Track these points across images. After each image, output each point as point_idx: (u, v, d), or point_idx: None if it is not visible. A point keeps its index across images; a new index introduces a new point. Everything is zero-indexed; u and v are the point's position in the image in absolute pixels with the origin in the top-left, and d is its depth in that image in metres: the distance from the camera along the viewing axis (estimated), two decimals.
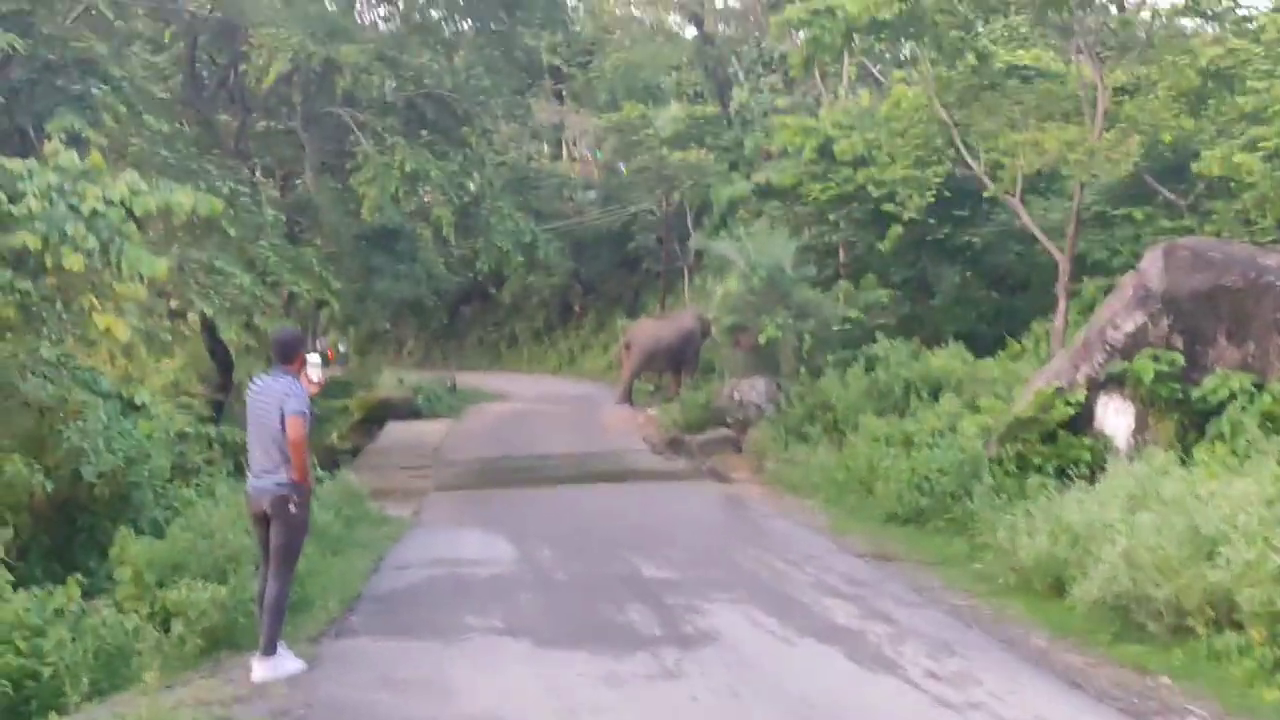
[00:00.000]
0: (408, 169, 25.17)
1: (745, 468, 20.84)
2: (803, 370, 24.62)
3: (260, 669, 8.56)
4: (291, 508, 8.71)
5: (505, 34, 26.22)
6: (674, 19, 49.78)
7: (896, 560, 12.88)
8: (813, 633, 9.57)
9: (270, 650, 8.62)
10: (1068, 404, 13.84)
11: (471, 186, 28.34)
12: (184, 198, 10.37)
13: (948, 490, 14.43)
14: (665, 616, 10.15)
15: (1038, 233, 18.84)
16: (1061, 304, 17.46)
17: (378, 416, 28.30)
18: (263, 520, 8.82)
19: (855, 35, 18.03)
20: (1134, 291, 13.84)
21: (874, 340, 24.75)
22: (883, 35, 18.25)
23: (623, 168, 46.85)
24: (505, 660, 8.90)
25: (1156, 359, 13.26)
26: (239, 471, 16.34)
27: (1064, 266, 17.86)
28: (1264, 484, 10.17)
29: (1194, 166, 18.01)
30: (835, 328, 24.82)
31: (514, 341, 49.59)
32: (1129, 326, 13.68)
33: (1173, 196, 23.34)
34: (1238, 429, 12.45)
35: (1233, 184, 20.71)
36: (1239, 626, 9.04)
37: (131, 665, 9.02)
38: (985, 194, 20.00)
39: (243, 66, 25.72)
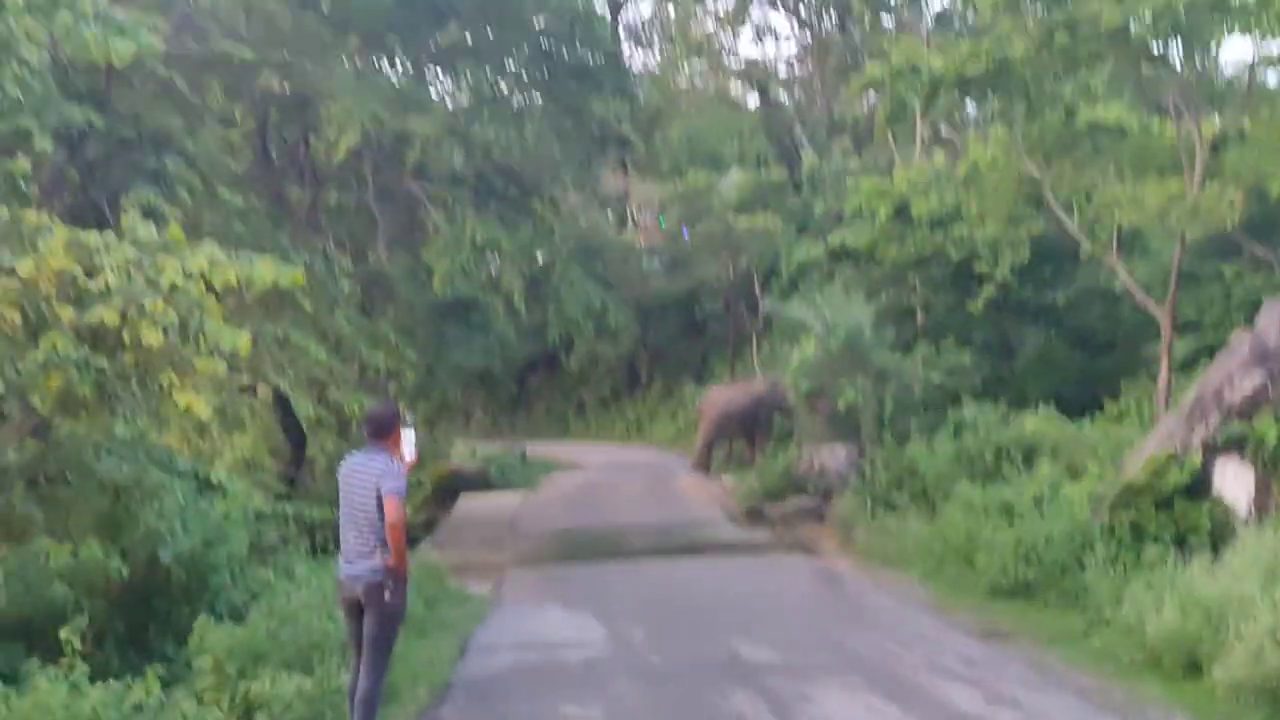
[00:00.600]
0: (478, 240, 24.86)
1: (832, 539, 20.11)
2: (885, 436, 23.94)
3: None
4: (387, 595, 8.19)
5: (574, 104, 25.86)
6: (735, 86, 49.54)
7: (1009, 637, 12.13)
8: None
9: None
10: (1183, 469, 13.08)
11: (540, 256, 28.03)
12: (265, 269, 9.94)
13: (1056, 561, 13.66)
14: (775, 704, 9.49)
15: (1137, 290, 18.09)
16: (1164, 364, 16.71)
17: (450, 488, 27.79)
18: (355, 609, 8.30)
19: (940, 92, 17.49)
20: (1251, 349, 13.11)
21: (957, 404, 24.06)
22: (969, 92, 17.66)
23: (687, 233, 46.53)
24: None
25: (1279, 420, 12.50)
26: (316, 551, 15.97)
27: (1165, 324, 17.13)
28: None
29: None
30: (917, 392, 24.10)
31: (581, 410, 49.08)
32: (1247, 386, 12.93)
33: (1262, 253, 22.57)
34: None
35: None
36: None
37: None
38: (1082, 253, 19.22)
39: (313, 140, 25.51)
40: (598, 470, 32.50)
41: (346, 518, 8.32)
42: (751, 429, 29.18)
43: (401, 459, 8.56)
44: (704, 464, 30.12)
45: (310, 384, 18.15)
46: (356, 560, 8.23)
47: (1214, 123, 17.62)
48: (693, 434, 41.36)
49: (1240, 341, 13.71)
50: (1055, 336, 25.94)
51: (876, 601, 14.45)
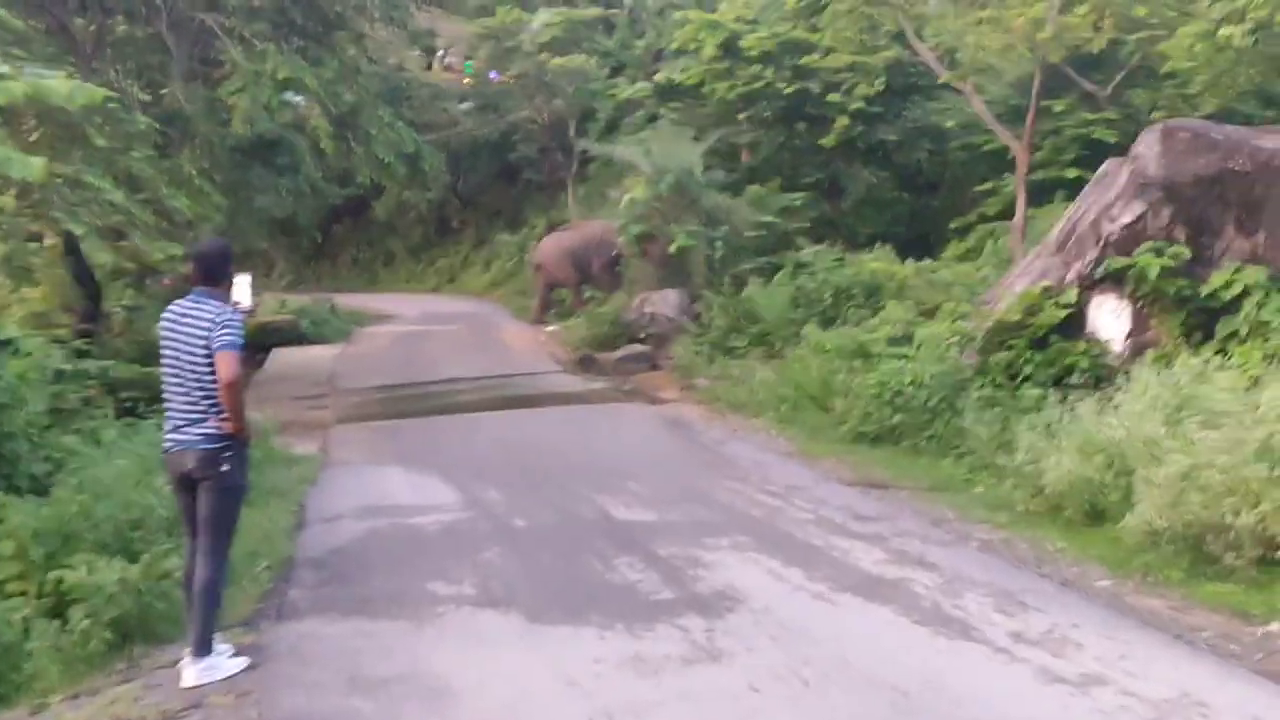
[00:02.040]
0: (279, 76, 22.86)
1: (672, 386, 19.16)
2: (714, 280, 23.04)
3: (193, 672, 6.68)
4: (224, 466, 6.82)
5: None
6: None
7: (890, 487, 11.34)
8: (849, 587, 7.94)
9: (205, 648, 6.74)
10: (1059, 305, 12.37)
11: (348, 95, 25.98)
12: (59, 85, 8.17)
13: (924, 405, 12.93)
14: (667, 573, 8.44)
15: (994, 123, 17.41)
16: (1021, 198, 15.99)
17: (261, 343, 25.92)
18: (186, 483, 6.91)
19: None
20: (1129, 179, 12.37)
21: (789, 247, 23.29)
22: None
23: (496, 76, 44.46)
24: (499, 643, 7.10)
25: (1159, 253, 11.83)
26: (124, 414, 14.31)
27: (1021, 158, 16.40)
28: None
29: (1162, 48, 16.45)
30: (749, 234, 23.20)
31: (390, 260, 47.04)
32: (1126, 218, 12.22)
33: (1092, 87, 22.05)
34: (1258, 328, 11.08)
35: (1167, 70, 19.46)
36: None
37: (23, 669, 7.10)
38: (941, 80, 18.24)
39: None
40: (414, 321, 30.94)
41: (171, 377, 6.87)
42: (589, 274, 27.55)
43: (235, 306, 7.13)
44: (542, 314, 28.60)
45: (105, 230, 16.22)
46: (186, 427, 6.83)
47: None
48: (510, 282, 40.12)
49: (1115, 172, 12.98)
50: (884, 176, 25.16)
51: (737, 450, 13.53)
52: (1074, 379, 11.90)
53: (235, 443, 6.86)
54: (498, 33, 39.97)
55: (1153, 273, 11.66)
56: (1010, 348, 12.56)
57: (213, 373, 6.74)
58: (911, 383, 13.18)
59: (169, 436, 6.94)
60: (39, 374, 12.32)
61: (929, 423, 12.82)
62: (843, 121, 23.32)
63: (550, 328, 27.84)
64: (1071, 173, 22.15)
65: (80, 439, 11.93)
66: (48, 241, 20.73)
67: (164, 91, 23.86)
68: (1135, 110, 22.91)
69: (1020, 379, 12.31)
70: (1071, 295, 12.36)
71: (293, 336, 26.46)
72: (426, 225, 45.74)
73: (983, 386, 12.45)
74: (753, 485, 11.43)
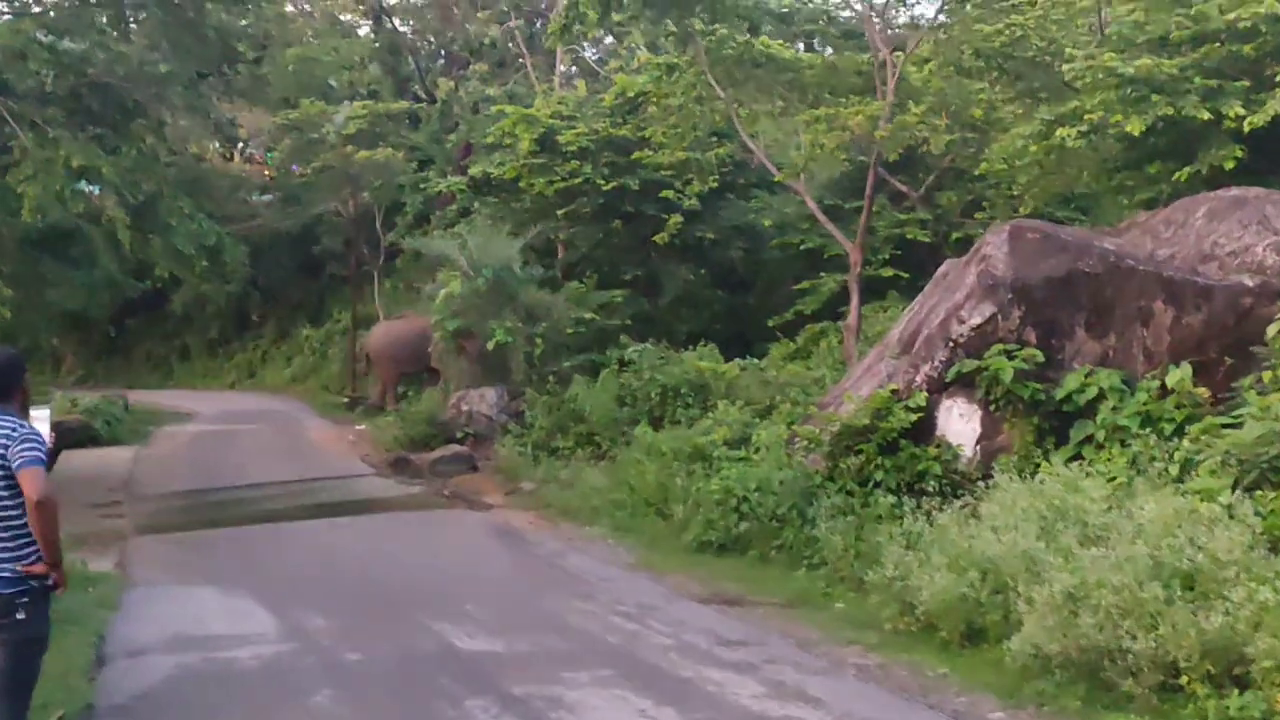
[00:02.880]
0: (75, 164, 21.35)
1: (495, 490, 18.16)
2: (535, 378, 22.18)
3: None
4: (20, 614, 5.62)
5: (191, 9, 22.46)
6: (348, 17, 46.13)
7: (746, 604, 10.59)
8: None
9: None
10: (908, 409, 11.86)
11: (146, 185, 24.44)
12: None
13: (771, 512, 12.24)
14: (526, 715, 7.45)
15: (827, 221, 17.03)
16: (855, 298, 15.59)
17: (50, 446, 24.00)
18: None
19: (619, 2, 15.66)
20: (977, 279, 11.99)
21: (611, 344, 22.61)
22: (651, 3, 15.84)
23: (296, 168, 43.13)
24: None
25: (1011, 355, 11.44)
26: None
27: (854, 256, 16.01)
28: (1214, 503, 8.39)
29: (995, 148, 16.32)
30: (569, 331, 22.44)
31: (186, 355, 44.81)
32: (976, 319, 11.83)
33: (903, 187, 22.07)
34: (1115, 432, 10.72)
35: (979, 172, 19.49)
36: (1246, 685, 7.18)
37: None
38: (777, 179, 17.83)
39: None
40: (215, 420, 29.18)
41: None
42: (422, 365, 26.13)
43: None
44: (391, 402, 27.04)
45: None
46: None
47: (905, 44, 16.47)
48: (311, 378, 38.58)
49: (959, 272, 12.62)
50: (701, 274, 24.74)
51: (578, 564, 12.59)
52: (927, 485, 11.37)
53: (35, 585, 5.68)
54: (301, 125, 38.78)
55: (1006, 376, 11.24)
56: (859, 452, 11.99)
57: (15, 508, 5.58)
58: (757, 488, 12.49)
59: None
60: None
61: (778, 531, 12.13)
62: (676, 219, 22.81)
63: (359, 426, 26.54)
64: (887, 272, 22.12)
65: None
66: None
67: None
68: (944, 211, 23.06)
69: (870, 485, 11.74)
70: (921, 398, 11.88)
71: (84, 438, 24.53)
72: (225, 319, 43.73)
73: (833, 493, 11.84)
74: (603, 605, 10.51)
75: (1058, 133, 13.34)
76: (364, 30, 45.71)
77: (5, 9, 24.98)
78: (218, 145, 46.64)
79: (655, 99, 22.90)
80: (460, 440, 21.80)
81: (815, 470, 12.32)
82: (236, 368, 42.31)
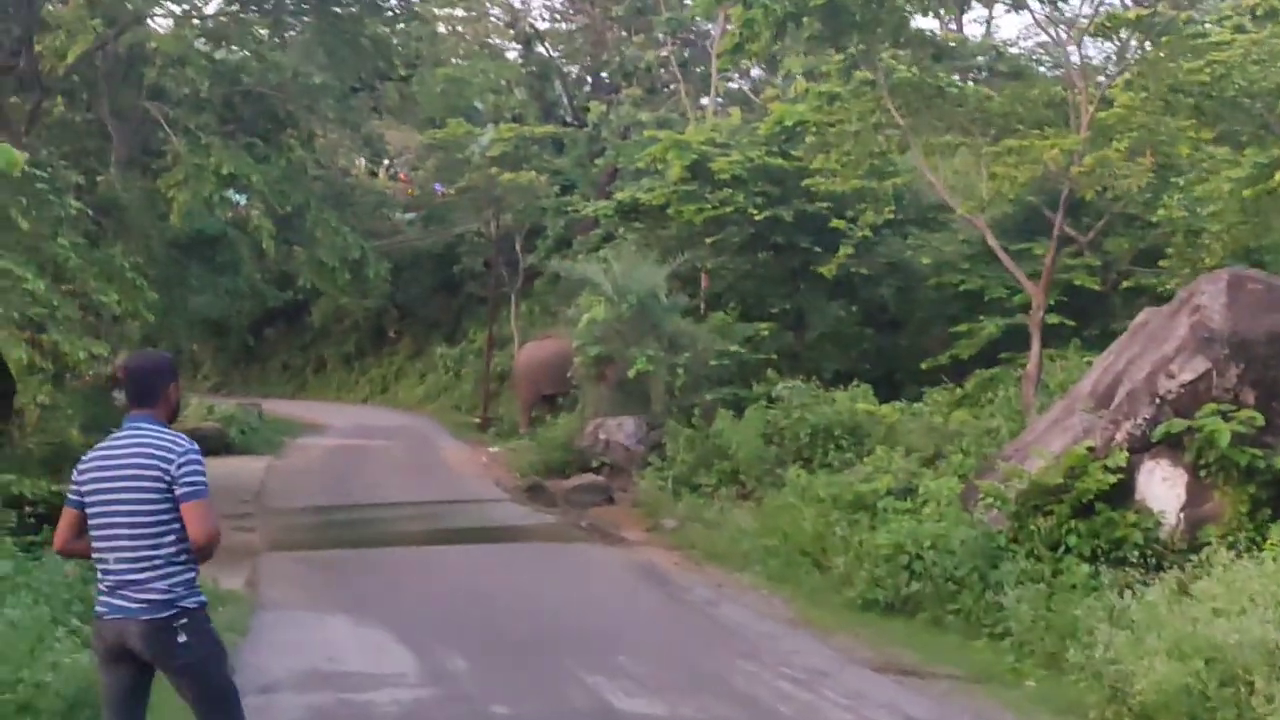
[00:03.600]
0: (224, 171, 21.05)
1: (634, 525, 17.24)
2: (675, 409, 21.26)
3: None
4: (182, 636, 4.87)
5: (351, 19, 22.05)
6: (498, 34, 45.84)
7: (924, 675, 9.44)
8: None
9: None
10: (1107, 469, 10.65)
11: (294, 196, 24.12)
12: None
13: (952, 574, 11.10)
14: None
15: (1009, 261, 15.80)
16: (1036, 344, 14.41)
17: None
18: (123, 659, 4.94)
19: (801, 21, 14.69)
20: (1190, 332, 10.77)
21: (754, 378, 21.63)
22: (836, 21, 14.82)
23: (439, 188, 42.93)
24: None
25: (1226, 417, 10.20)
26: (28, 529, 12.21)
27: (1038, 300, 14.83)
28: None
29: (1193, 191, 14.96)
30: (713, 362, 21.49)
31: (321, 367, 44.81)
32: (1187, 375, 10.59)
33: (1073, 232, 20.72)
34: None
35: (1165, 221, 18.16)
36: None
37: None
38: (960, 212, 16.60)
39: (38, 42, 21.09)
40: (348, 434, 28.79)
41: (105, 527, 4.95)
42: (564, 389, 25.41)
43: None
44: (528, 424, 26.31)
45: (22, 323, 14.14)
46: (129, 590, 4.89)
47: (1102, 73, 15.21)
48: (444, 396, 38.16)
49: (1164, 323, 11.40)
50: (852, 311, 23.59)
51: (732, 615, 11.56)
52: (1127, 554, 10.17)
53: (191, 605, 4.94)
54: (447, 145, 38.57)
55: (1222, 439, 10.00)
56: (1048, 514, 10.82)
57: (170, 525, 4.86)
58: (931, 546, 11.37)
59: (102, 602, 4.97)
60: None
61: (954, 595, 10.98)
62: (846, 250, 21.73)
63: (493, 448, 25.87)
64: (1053, 319, 20.79)
65: None
66: None
67: (99, 179, 21.90)
68: (1113, 258, 21.70)
69: (1061, 550, 10.56)
70: (1121, 458, 10.66)
71: (218, 445, 24.20)
72: (361, 333, 43.66)
73: (1020, 557, 10.68)
74: (768, 667, 9.47)
75: (1277, 176, 12.03)
76: (511, 55, 45.48)
77: (166, 15, 24.88)
78: (363, 162, 46.79)
79: (815, 128, 21.93)
80: (596, 469, 20.99)
81: (998, 530, 11.17)
82: (370, 382, 42.10)
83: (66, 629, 7.96)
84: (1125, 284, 20.69)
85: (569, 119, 38.50)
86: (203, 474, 4.93)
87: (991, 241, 15.84)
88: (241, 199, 25.15)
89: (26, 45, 21.50)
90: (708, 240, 23.63)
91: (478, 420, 32.39)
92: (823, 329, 23.50)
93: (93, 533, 4.98)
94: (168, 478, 4.84)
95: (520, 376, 26.58)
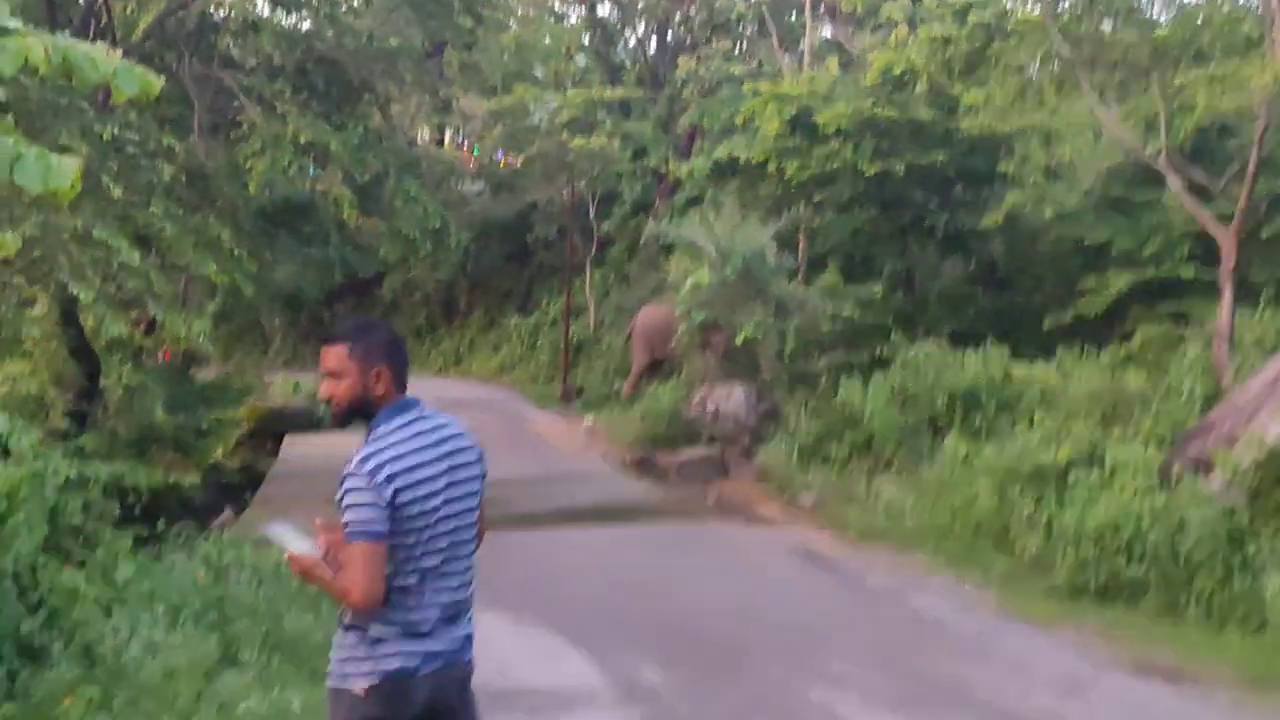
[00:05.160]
0: (302, 140, 19.81)
1: (766, 501, 15.83)
2: (785, 376, 19.85)
3: None
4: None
5: None
6: (558, 4, 44.25)
7: (1191, 679, 7.99)
8: None
9: None
10: None
11: (372, 164, 22.81)
12: (98, 54, 4.71)
13: (1186, 555, 9.62)
14: None
15: (1196, 208, 14.16)
16: (1227, 296, 12.85)
17: (271, 430, 22.45)
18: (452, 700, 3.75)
19: None
20: None
21: (864, 342, 20.17)
22: None
23: (501, 155, 41.53)
24: None
25: None
26: (125, 521, 10.97)
27: (1228, 250, 13.23)
28: None
29: None
30: (825, 327, 20.01)
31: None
32: None
33: (1202, 181, 19.05)
34: None
35: None
36: None
37: None
38: (1152, 150, 14.77)
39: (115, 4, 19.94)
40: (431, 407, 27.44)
41: (455, 544, 3.74)
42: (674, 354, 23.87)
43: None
44: (635, 388, 24.84)
45: (118, 297, 12.91)
46: (460, 624, 3.78)
47: None
48: (520, 367, 36.83)
49: None
50: (971, 268, 22.02)
51: (930, 607, 10.10)
52: None
53: None
54: (514, 111, 37.22)
55: None
56: None
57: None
58: (1153, 525, 9.90)
59: (410, 649, 3.62)
60: (35, 488, 8.87)
61: (1188, 580, 9.52)
62: (1014, 197, 20.06)
63: (587, 421, 24.50)
64: (1187, 271, 19.21)
65: (85, 576, 8.48)
66: (39, 308, 17.44)
67: (180, 148, 20.65)
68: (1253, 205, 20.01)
69: None
70: None
71: (306, 423, 22.95)
72: (433, 306, 42.36)
73: (1268, 537, 9.20)
74: (1009, 673, 8.04)
75: None
76: (572, 19, 43.92)
77: None
78: (426, 133, 45.44)
79: (927, 75, 20.37)
80: (707, 441, 19.60)
81: (1232, 506, 9.68)
82: (443, 355, 40.81)
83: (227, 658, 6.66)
84: (1267, 232, 18.99)
85: (644, 79, 36.87)
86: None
87: (1180, 194, 14.11)
88: (317, 173, 23.91)
89: (103, 7, 20.37)
90: (813, 198, 22.06)
91: (559, 391, 31.05)
92: (938, 289, 21.91)
93: (430, 549, 3.64)
94: (482, 475, 3.84)
95: (637, 340, 24.96)
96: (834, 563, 11.93)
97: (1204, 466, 10.35)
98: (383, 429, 3.65)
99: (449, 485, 3.63)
